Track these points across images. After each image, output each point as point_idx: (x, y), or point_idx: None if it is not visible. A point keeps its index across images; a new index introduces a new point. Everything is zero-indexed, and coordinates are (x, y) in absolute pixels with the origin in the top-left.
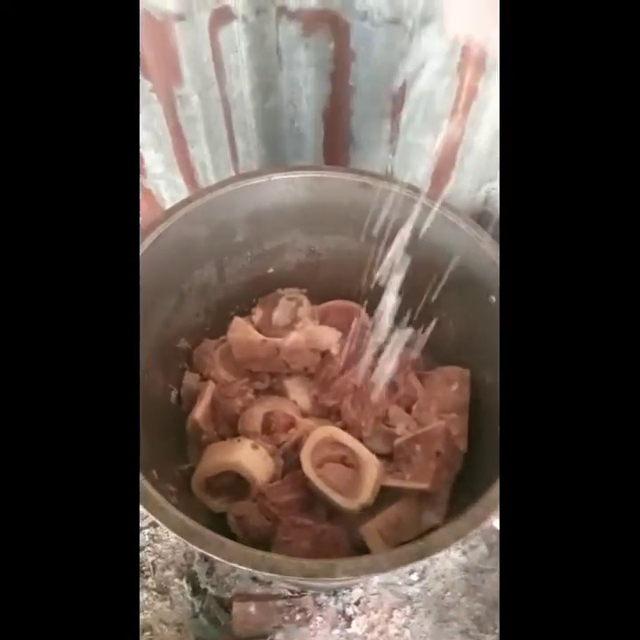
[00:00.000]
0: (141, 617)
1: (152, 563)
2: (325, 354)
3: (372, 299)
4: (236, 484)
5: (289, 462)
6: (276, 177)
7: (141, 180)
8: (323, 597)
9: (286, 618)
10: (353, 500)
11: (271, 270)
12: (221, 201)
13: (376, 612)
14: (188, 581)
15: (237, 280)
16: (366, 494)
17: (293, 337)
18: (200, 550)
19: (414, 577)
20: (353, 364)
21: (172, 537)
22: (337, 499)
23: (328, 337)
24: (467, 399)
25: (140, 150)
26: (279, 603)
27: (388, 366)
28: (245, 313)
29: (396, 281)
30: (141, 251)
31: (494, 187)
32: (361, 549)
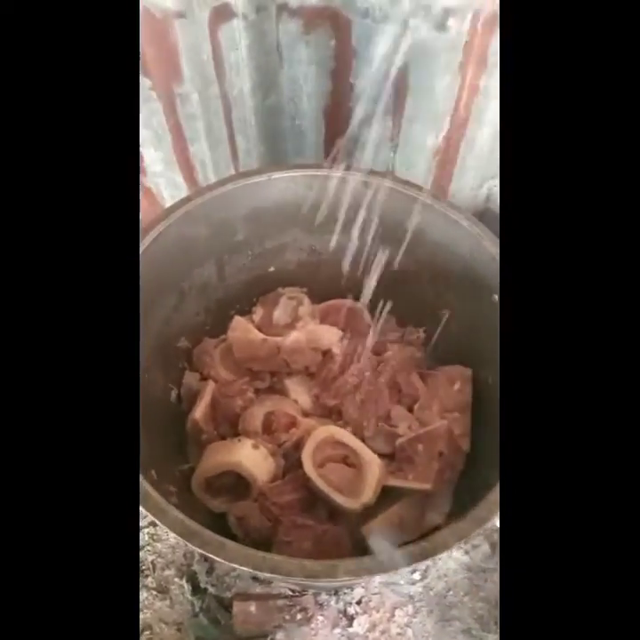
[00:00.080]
0: (141, 616)
1: (152, 562)
2: (326, 353)
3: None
4: (236, 484)
5: (290, 462)
6: (277, 175)
7: (141, 178)
8: (324, 597)
9: (287, 617)
10: (355, 500)
11: (272, 269)
12: (221, 199)
13: (378, 611)
14: (187, 581)
15: (238, 279)
16: (368, 494)
17: (294, 336)
18: (200, 551)
19: (416, 576)
20: (354, 364)
21: (172, 536)
22: (338, 499)
23: (329, 336)
24: (469, 398)
25: (140, 148)
26: (280, 602)
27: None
28: (246, 312)
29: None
30: (141, 249)
31: (496, 184)
32: (362, 550)
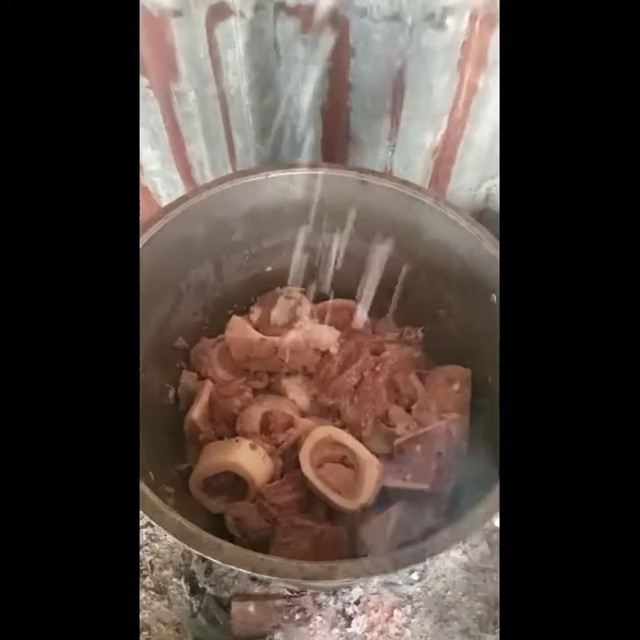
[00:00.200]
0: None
1: (150, 562)
2: (324, 353)
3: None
4: (234, 484)
5: (288, 462)
6: (274, 174)
7: None
8: (322, 597)
9: (285, 617)
10: (353, 501)
11: (270, 269)
12: (219, 198)
13: (376, 611)
14: (186, 581)
15: (236, 279)
16: (366, 495)
17: (292, 336)
18: (198, 552)
19: (415, 576)
20: (352, 363)
21: (170, 536)
22: (336, 499)
23: (327, 336)
24: (468, 399)
25: None
26: (278, 602)
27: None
28: (244, 312)
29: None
30: None
31: (495, 184)
32: (361, 550)
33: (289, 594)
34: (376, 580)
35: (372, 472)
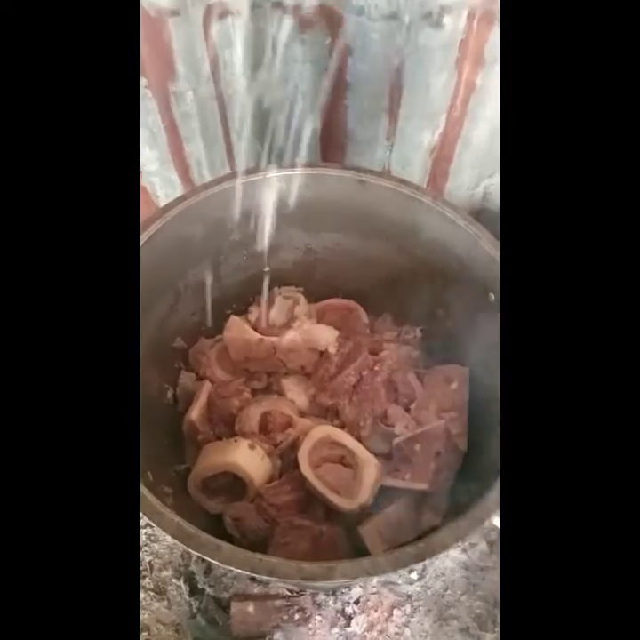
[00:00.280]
0: None
1: (149, 563)
2: (323, 353)
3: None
4: (233, 484)
5: (286, 462)
6: (272, 174)
7: None
8: (322, 597)
9: (285, 617)
10: (351, 501)
11: (268, 268)
12: (217, 198)
13: (376, 610)
14: (185, 581)
15: (234, 279)
16: (365, 494)
17: (290, 336)
18: (196, 553)
19: (414, 575)
20: (351, 363)
21: (169, 537)
22: (335, 499)
23: (325, 336)
24: (466, 398)
25: None
26: (277, 602)
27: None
28: (242, 312)
29: None
30: None
31: (493, 182)
32: (360, 550)
33: (288, 594)
34: (375, 579)
35: (371, 472)
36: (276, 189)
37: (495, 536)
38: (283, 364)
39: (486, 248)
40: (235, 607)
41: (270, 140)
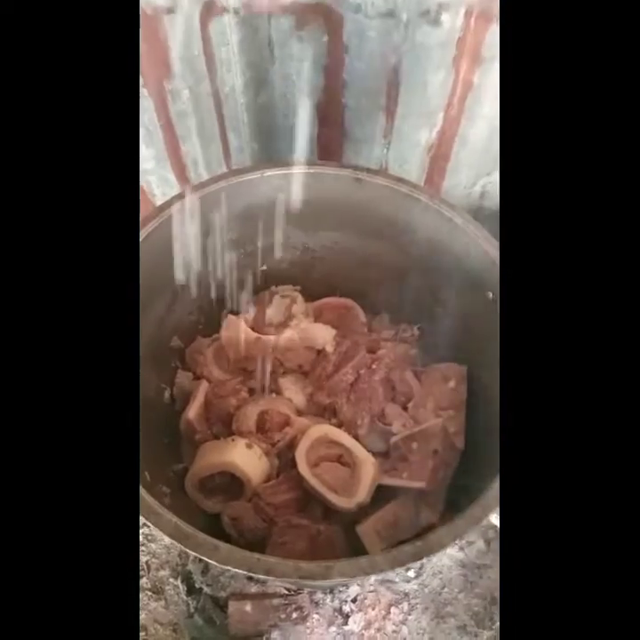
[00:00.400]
0: None
1: (146, 562)
2: (320, 351)
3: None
4: (230, 484)
5: (284, 461)
6: (270, 172)
7: None
8: (319, 595)
9: (282, 616)
10: (349, 500)
11: (265, 267)
12: (213, 197)
13: (373, 608)
14: (182, 581)
15: (231, 277)
16: (362, 493)
17: (288, 335)
18: (194, 553)
19: (411, 574)
20: (348, 362)
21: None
22: (333, 498)
23: (323, 334)
24: (464, 396)
25: None
26: (275, 601)
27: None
28: (239, 311)
29: None
30: None
31: (490, 181)
32: (357, 549)
33: (286, 592)
34: (373, 577)
35: (369, 470)
36: (272, 188)
37: (493, 534)
38: (280, 363)
39: (484, 246)
40: (232, 606)
41: (267, 138)
